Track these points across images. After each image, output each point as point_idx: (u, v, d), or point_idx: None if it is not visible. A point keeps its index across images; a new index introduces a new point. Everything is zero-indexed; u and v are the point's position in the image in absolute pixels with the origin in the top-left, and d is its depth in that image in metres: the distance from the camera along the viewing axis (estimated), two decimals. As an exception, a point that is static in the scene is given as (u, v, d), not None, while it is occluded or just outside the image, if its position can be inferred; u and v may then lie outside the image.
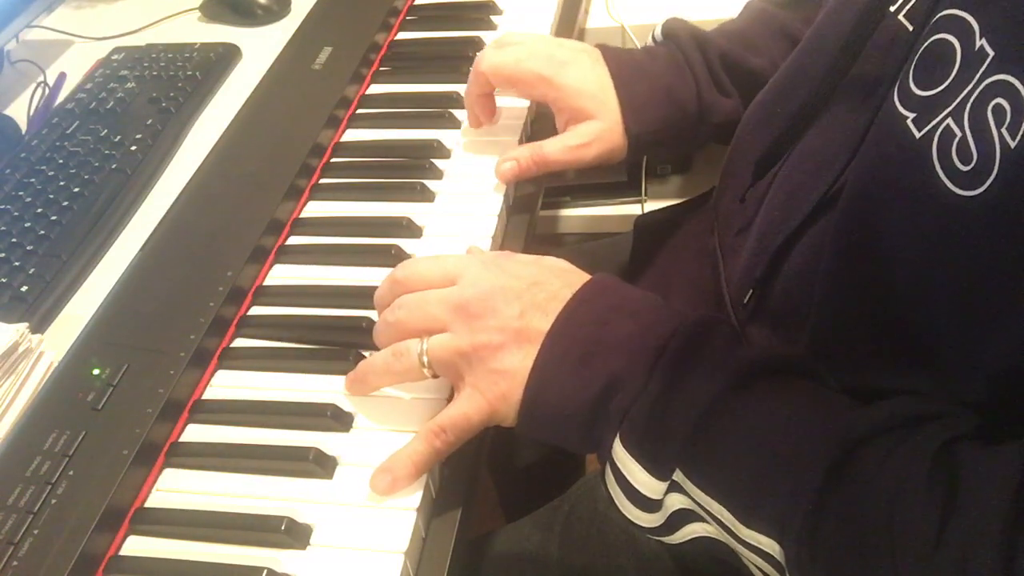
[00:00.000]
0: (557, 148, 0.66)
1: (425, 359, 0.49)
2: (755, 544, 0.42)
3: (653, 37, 0.73)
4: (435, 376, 0.50)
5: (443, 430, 0.48)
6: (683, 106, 0.68)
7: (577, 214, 1.05)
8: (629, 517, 0.47)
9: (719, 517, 0.44)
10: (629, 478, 0.45)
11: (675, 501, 0.46)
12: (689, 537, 0.47)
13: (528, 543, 0.68)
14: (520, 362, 0.47)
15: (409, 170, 0.69)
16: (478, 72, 0.67)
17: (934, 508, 0.37)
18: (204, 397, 0.55)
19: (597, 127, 0.67)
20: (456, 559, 0.48)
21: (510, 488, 0.95)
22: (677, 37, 0.70)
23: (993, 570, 0.34)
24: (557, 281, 0.50)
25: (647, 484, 0.45)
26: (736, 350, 0.46)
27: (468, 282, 0.50)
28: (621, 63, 0.68)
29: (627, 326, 0.47)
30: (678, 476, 0.44)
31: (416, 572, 0.47)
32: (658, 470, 0.44)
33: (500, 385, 0.48)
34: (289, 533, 0.46)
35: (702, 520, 0.46)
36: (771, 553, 0.42)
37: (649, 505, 0.46)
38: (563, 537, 0.67)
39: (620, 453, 0.45)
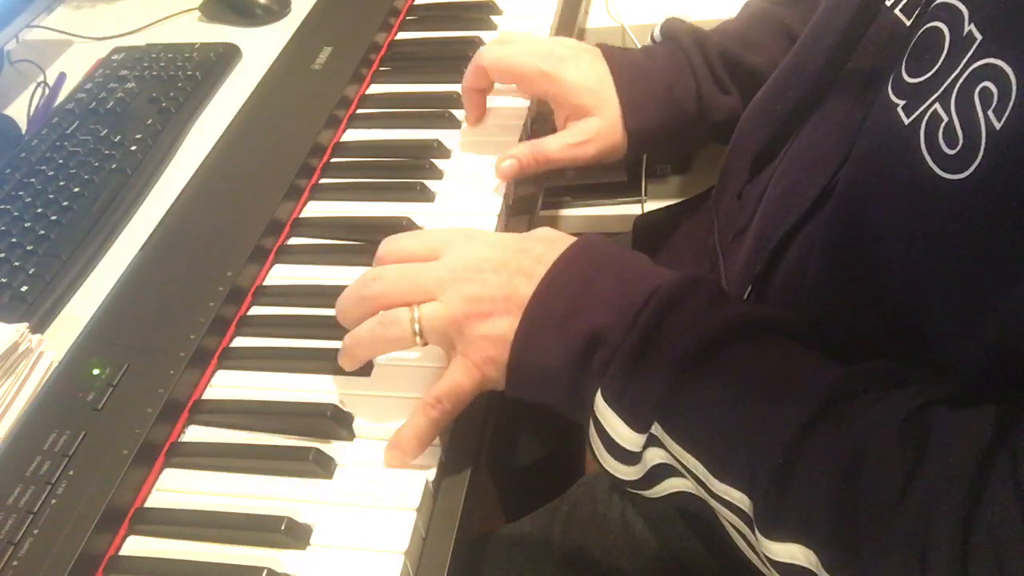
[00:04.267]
0: (557, 145, 0.66)
1: (417, 327, 0.50)
2: (726, 498, 0.43)
3: (652, 37, 0.74)
4: (425, 344, 0.51)
5: (438, 400, 0.49)
6: (683, 104, 0.68)
7: (577, 214, 1.05)
8: (609, 470, 0.48)
9: (694, 471, 0.44)
10: (609, 431, 0.46)
11: (654, 456, 0.46)
12: (668, 492, 0.48)
13: (528, 543, 0.68)
14: (507, 326, 0.48)
15: (409, 170, 0.69)
16: (478, 66, 0.67)
17: (902, 463, 0.37)
18: (204, 397, 0.55)
19: (597, 124, 0.67)
20: (456, 559, 0.48)
21: (510, 488, 0.95)
22: (677, 36, 0.70)
23: (954, 527, 0.35)
24: (541, 246, 0.51)
25: (626, 436, 0.46)
26: (719, 307, 0.47)
27: (456, 254, 0.51)
28: (621, 61, 0.68)
29: (611, 283, 0.48)
30: (656, 430, 0.45)
31: (416, 572, 0.47)
32: (636, 423, 0.45)
33: (488, 350, 0.49)
34: (289, 533, 0.46)
35: (680, 475, 0.47)
36: (741, 507, 0.43)
37: (628, 458, 0.47)
38: (563, 537, 0.67)
39: (601, 406, 0.46)
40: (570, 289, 0.48)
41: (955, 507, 0.35)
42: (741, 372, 0.44)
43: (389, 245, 0.53)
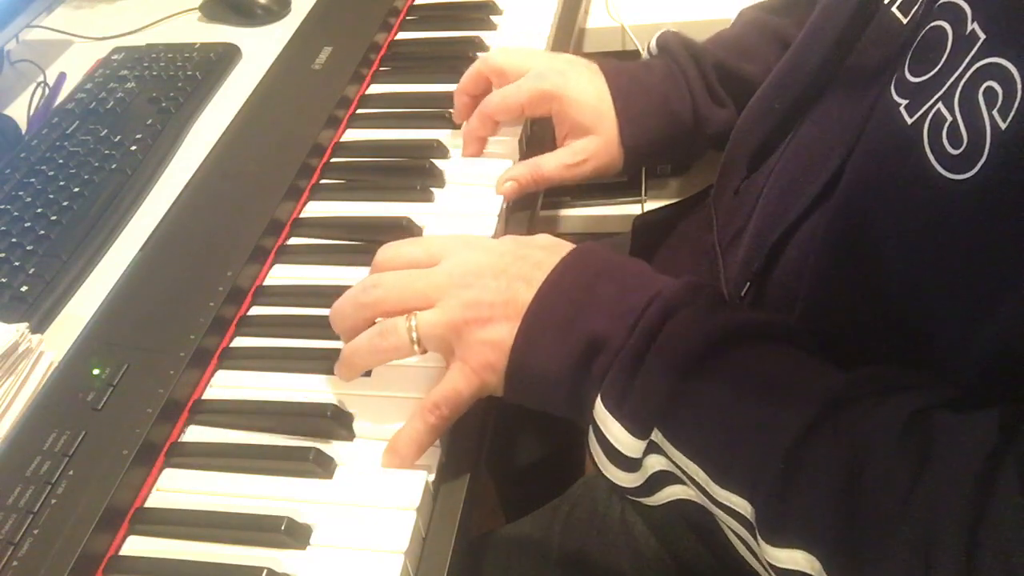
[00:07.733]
0: (554, 165, 0.67)
1: (415, 335, 0.49)
2: (728, 504, 0.43)
3: (649, 50, 0.74)
4: (424, 352, 0.51)
5: (436, 406, 0.49)
6: (679, 118, 0.69)
7: (577, 214, 1.05)
8: (610, 477, 0.48)
9: (695, 478, 0.44)
10: (609, 437, 0.46)
11: (654, 463, 0.46)
12: (668, 499, 0.48)
13: (528, 543, 0.68)
14: (507, 332, 0.48)
15: (409, 170, 0.69)
16: (484, 114, 0.67)
17: (905, 468, 0.37)
18: (204, 397, 0.55)
19: (594, 142, 0.67)
20: (456, 559, 0.48)
21: (510, 488, 0.95)
22: (671, 50, 0.70)
23: (959, 532, 0.34)
24: (540, 252, 0.51)
25: (626, 443, 0.45)
26: (718, 313, 0.46)
27: (456, 260, 0.51)
28: (618, 75, 0.68)
29: (610, 289, 0.48)
30: (657, 436, 0.45)
31: (416, 572, 0.47)
32: (637, 429, 0.45)
33: (487, 355, 0.48)
34: (289, 533, 0.46)
35: (681, 483, 0.46)
36: (743, 513, 0.42)
37: (629, 464, 0.47)
38: (563, 537, 0.67)
39: (601, 412, 0.46)
40: (569, 295, 0.48)
41: (960, 512, 0.35)
42: (740, 377, 0.43)
43: (387, 252, 0.53)
